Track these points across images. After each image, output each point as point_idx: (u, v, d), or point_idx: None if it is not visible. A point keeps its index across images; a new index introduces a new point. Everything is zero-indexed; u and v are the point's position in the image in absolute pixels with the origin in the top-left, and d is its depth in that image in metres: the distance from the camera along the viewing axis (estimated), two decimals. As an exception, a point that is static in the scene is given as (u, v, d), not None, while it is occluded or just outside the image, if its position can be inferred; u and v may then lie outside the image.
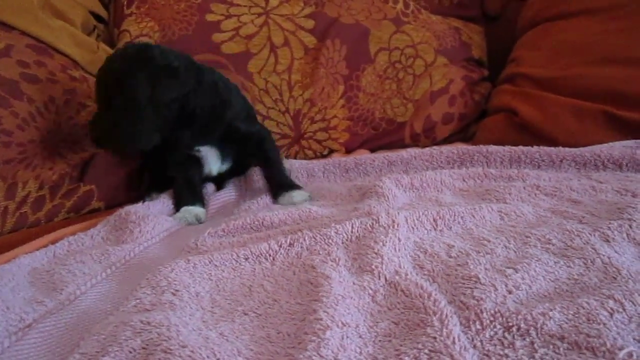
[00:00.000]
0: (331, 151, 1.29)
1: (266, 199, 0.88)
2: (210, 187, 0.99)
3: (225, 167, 1.02)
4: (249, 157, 1.04)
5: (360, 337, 0.44)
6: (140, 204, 0.84)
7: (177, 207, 0.90)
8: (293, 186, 0.93)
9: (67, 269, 0.61)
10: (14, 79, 0.97)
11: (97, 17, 1.32)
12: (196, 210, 0.88)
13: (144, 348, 0.43)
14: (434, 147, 1.05)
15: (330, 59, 1.28)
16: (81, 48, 1.18)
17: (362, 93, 1.30)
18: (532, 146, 0.96)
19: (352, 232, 0.63)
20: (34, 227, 0.90)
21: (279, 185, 0.94)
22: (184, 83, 0.89)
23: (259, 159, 1.01)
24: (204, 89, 0.93)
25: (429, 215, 0.67)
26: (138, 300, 0.52)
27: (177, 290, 0.54)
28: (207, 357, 0.41)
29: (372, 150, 1.28)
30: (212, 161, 0.99)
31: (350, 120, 1.29)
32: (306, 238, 0.62)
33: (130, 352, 0.43)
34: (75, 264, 0.63)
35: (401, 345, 0.42)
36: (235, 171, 1.05)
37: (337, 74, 1.28)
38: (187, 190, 0.93)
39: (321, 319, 0.45)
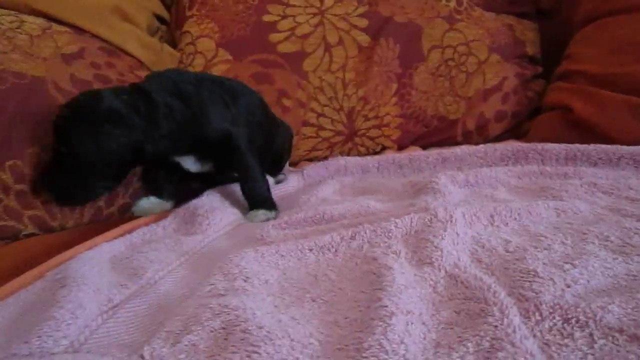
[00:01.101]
0: (383, 148, 1.31)
1: (324, 192, 0.92)
2: (270, 179, 1.01)
3: (206, 168, 0.99)
4: (225, 166, 0.99)
5: (423, 324, 0.47)
6: (205, 198, 0.89)
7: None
8: (262, 203, 0.90)
9: (145, 257, 0.66)
10: (88, 79, 1.03)
11: (160, 19, 1.38)
12: (150, 201, 0.96)
13: (223, 328, 0.47)
14: (488, 144, 1.06)
15: (384, 57, 1.30)
16: (146, 49, 1.24)
17: (414, 91, 1.31)
18: (588, 144, 0.96)
19: (411, 226, 0.66)
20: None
21: (249, 201, 0.91)
22: (132, 127, 0.84)
23: (235, 170, 0.96)
24: (169, 113, 0.88)
25: (485, 211, 0.69)
26: (212, 286, 0.56)
27: (248, 278, 0.57)
28: (282, 337, 0.45)
29: (424, 148, 1.30)
30: (189, 164, 0.97)
31: (402, 118, 1.31)
32: (367, 231, 0.65)
33: (211, 332, 0.47)
34: (151, 252, 0.68)
35: (463, 333, 0.45)
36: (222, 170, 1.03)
37: (390, 72, 1.30)
38: (152, 183, 1.00)
39: (386, 306, 0.47)
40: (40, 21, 1.08)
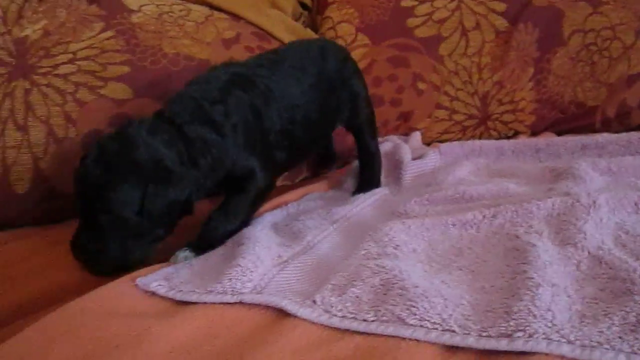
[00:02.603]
0: (516, 133, 1.31)
1: (460, 172, 0.95)
2: (408, 155, 1.05)
3: None
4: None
5: (568, 296, 0.50)
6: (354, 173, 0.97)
7: None
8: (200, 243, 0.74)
9: (302, 224, 0.75)
10: (244, 62, 1.14)
11: (303, 6, 1.48)
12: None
13: (382, 285, 0.54)
14: (632, 132, 1.03)
15: (522, 41, 1.29)
16: (292, 34, 1.34)
17: (552, 76, 1.29)
18: None
19: (552, 208, 0.68)
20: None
21: (199, 235, 0.75)
22: (182, 181, 0.71)
23: (227, 196, 0.80)
24: (204, 148, 0.75)
25: (630, 199, 0.70)
26: (366, 251, 0.64)
27: (397, 245, 0.64)
28: (436, 296, 0.51)
29: (559, 134, 1.28)
30: None
31: (538, 103, 1.29)
32: (508, 211, 0.69)
33: (372, 287, 0.54)
34: (307, 220, 0.77)
35: (608, 307, 0.48)
36: None
37: (528, 57, 1.29)
38: None
39: (532, 278, 0.52)
40: (203, 9, 1.21)
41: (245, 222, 0.78)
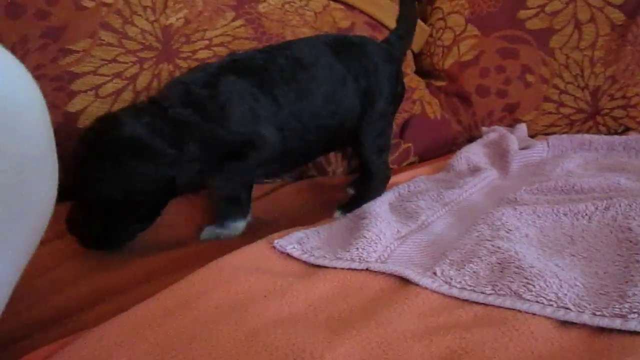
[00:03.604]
0: (626, 129, 1.29)
1: (569, 164, 0.97)
2: (515, 144, 1.07)
3: None
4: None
5: (684, 286, 0.53)
6: (463, 159, 1.01)
7: None
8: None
9: (415, 204, 0.81)
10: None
11: None
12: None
13: (499, 263, 0.59)
14: None
15: (639, 36, 1.27)
16: (402, 24, 1.38)
17: (670, 72, 1.26)
18: None
19: (667, 204, 0.69)
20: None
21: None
22: (159, 159, 0.73)
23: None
24: (188, 130, 0.76)
25: None
26: (479, 233, 0.68)
27: (509, 230, 0.68)
28: (551, 276, 0.55)
29: (673, 132, 1.25)
30: None
31: (652, 99, 1.27)
32: (621, 204, 0.71)
33: (488, 265, 0.59)
34: (418, 201, 0.82)
35: None
36: None
37: (645, 51, 1.27)
38: None
39: (647, 267, 0.55)
40: (321, -1, 1.28)
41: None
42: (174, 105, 0.77)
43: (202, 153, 0.77)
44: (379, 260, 0.63)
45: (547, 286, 0.53)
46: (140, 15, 1.02)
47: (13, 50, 0.92)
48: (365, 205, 0.78)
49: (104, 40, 0.98)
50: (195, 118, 0.76)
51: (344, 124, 0.88)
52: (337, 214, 0.81)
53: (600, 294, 0.53)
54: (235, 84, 0.80)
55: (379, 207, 0.77)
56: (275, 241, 0.67)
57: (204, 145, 0.77)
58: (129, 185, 0.72)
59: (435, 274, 0.59)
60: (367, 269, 0.61)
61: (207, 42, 1.05)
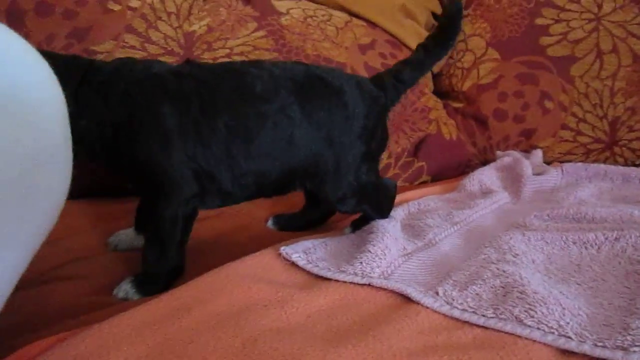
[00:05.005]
0: (644, 161, 1.28)
1: (582, 193, 0.96)
2: (529, 169, 1.07)
3: None
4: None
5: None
6: (476, 181, 1.01)
7: None
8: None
9: (423, 222, 0.81)
10: (377, 67, 1.21)
11: (435, 17, 1.52)
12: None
13: (502, 287, 0.58)
14: None
15: (661, 68, 1.26)
16: (423, 44, 1.39)
17: (691, 106, 1.25)
18: None
19: (680, 239, 0.69)
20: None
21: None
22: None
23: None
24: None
25: None
26: (486, 256, 0.68)
27: (516, 254, 0.68)
28: (554, 304, 0.54)
29: (692, 167, 1.23)
30: None
31: (672, 133, 1.25)
32: (632, 236, 0.70)
33: (492, 288, 0.58)
34: (427, 219, 0.82)
35: None
36: None
37: (666, 85, 1.26)
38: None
39: (653, 302, 0.54)
40: (343, 15, 1.30)
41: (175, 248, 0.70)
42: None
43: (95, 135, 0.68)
44: (382, 276, 0.63)
45: (550, 313, 0.53)
46: (164, 20, 1.04)
47: (39, 47, 0.94)
48: (374, 221, 0.78)
49: (127, 43, 1.00)
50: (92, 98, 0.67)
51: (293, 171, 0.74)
52: (346, 230, 0.81)
53: (604, 325, 0.52)
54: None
55: (388, 223, 0.77)
56: (282, 248, 0.67)
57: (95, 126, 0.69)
58: None
59: (437, 293, 0.58)
60: (369, 284, 0.61)
61: (228, 50, 1.06)
